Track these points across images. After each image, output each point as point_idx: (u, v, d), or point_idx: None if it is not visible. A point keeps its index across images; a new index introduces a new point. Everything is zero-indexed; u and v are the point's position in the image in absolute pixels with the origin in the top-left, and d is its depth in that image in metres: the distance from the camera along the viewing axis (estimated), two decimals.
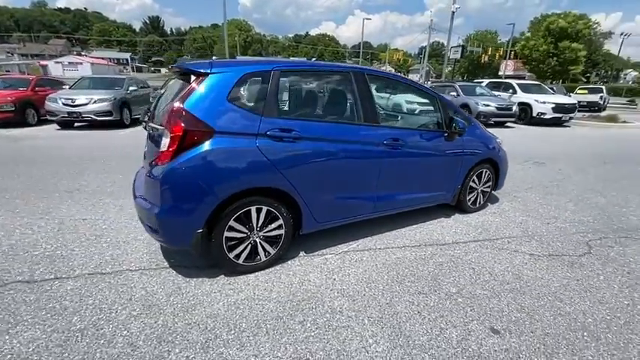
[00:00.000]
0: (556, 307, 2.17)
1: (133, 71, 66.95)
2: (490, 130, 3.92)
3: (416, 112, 3.37)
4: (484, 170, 3.63)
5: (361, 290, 2.30)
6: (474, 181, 3.58)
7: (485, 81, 14.77)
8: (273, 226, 2.43)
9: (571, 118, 12.56)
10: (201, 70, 2.18)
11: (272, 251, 2.49)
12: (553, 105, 11.96)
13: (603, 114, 14.91)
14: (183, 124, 2.04)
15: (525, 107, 12.35)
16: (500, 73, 47.77)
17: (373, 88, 2.89)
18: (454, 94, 12.42)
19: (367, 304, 2.15)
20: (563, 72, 17.77)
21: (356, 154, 2.64)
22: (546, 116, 12.05)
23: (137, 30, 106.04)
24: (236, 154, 2.18)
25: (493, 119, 11.35)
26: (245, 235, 2.34)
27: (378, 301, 2.18)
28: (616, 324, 2.03)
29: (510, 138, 9.08)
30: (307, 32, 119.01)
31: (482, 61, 49.70)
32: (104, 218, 3.33)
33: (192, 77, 2.21)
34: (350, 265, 2.61)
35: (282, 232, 2.47)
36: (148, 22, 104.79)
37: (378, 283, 2.38)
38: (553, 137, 10.04)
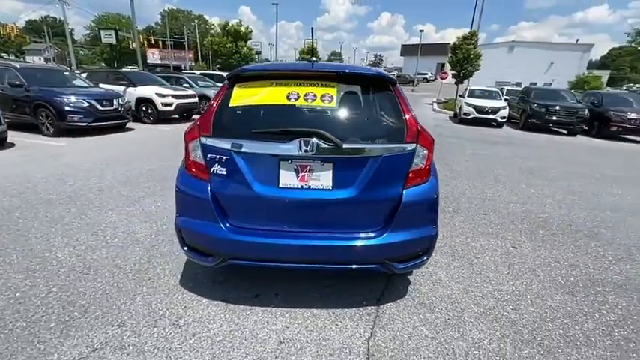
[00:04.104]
0: (523, 213, 4.44)
1: None
2: None
3: None
4: None
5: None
6: None
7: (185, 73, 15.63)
8: None
9: None
10: (393, 79, 2.06)
11: None
12: None
13: None
14: (429, 137, 1.99)
15: None
16: (149, 61, 49.06)
17: None
18: (187, 85, 12.51)
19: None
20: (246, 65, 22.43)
21: None
22: None
23: None
24: None
25: None
26: None
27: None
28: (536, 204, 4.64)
29: None
30: None
31: (132, 47, 47.75)
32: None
33: (387, 86, 2.01)
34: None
35: None
36: None
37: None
38: None
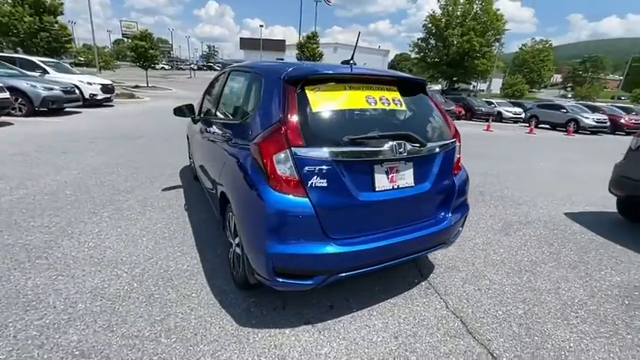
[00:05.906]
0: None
1: None
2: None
3: None
4: None
5: None
6: None
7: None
8: None
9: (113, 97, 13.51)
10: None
11: None
12: (100, 86, 12.21)
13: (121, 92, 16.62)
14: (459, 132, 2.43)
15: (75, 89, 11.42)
16: None
17: None
18: None
19: None
20: (60, 48, 16.08)
21: None
22: (98, 97, 12.15)
23: None
24: None
25: (66, 105, 9.83)
26: None
27: None
28: None
29: (110, 119, 9.19)
30: None
31: None
32: None
33: (425, 90, 2.33)
34: None
35: None
36: None
37: None
38: (120, 117, 11.09)
